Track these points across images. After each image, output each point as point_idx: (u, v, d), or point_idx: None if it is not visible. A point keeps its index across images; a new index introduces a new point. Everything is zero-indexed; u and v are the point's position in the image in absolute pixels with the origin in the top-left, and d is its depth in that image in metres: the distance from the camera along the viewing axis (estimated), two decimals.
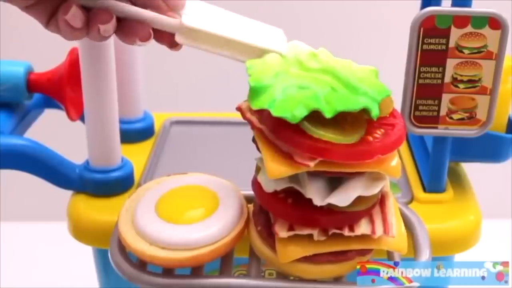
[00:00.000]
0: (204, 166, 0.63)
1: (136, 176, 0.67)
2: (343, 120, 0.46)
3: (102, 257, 0.66)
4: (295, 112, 0.44)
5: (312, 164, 0.46)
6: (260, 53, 0.49)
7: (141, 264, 0.52)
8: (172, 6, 0.48)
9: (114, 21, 0.47)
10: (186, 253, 0.50)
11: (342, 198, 0.47)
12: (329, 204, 0.48)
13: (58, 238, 0.87)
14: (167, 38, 0.49)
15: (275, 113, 0.45)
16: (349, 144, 0.46)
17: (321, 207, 0.48)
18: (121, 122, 0.70)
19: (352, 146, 0.46)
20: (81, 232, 0.64)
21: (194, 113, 0.83)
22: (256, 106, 0.46)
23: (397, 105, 0.53)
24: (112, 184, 0.65)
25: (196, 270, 0.52)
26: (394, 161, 0.48)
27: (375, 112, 0.45)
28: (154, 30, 0.48)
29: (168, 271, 0.52)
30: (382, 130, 0.48)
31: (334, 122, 0.46)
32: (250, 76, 0.47)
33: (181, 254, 0.50)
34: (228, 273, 0.53)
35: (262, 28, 0.51)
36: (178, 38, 0.48)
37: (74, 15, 0.47)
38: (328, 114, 0.45)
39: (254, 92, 0.46)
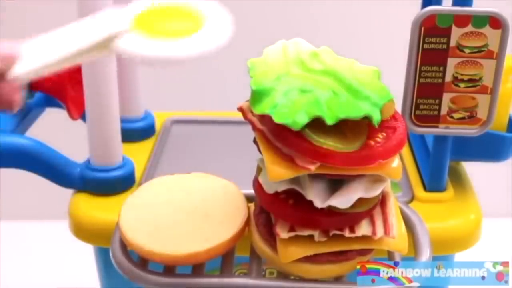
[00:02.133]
0: (205, 165, 0.63)
1: (137, 175, 0.68)
2: (345, 125, 0.46)
3: (103, 256, 0.66)
4: (296, 119, 0.44)
5: (313, 167, 0.46)
6: (107, 44, 0.45)
7: (142, 263, 0.52)
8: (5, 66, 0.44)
9: None
10: (185, 250, 0.50)
11: (343, 200, 0.47)
12: (330, 206, 0.48)
13: (59, 237, 0.87)
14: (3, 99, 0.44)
15: (276, 119, 0.45)
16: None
17: (322, 208, 0.48)
18: (122, 121, 0.70)
19: (354, 152, 0.46)
20: (82, 231, 0.64)
21: (195, 112, 0.83)
22: (258, 111, 0.46)
23: (398, 105, 0.53)
24: (113, 183, 0.65)
25: (197, 269, 0.52)
26: (395, 163, 0.48)
27: (376, 119, 0.45)
28: None
29: (168, 270, 0.52)
30: (384, 134, 0.48)
31: (336, 127, 0.45)
32: (252, 79, 0.46)
33: (180, 250, 0.50)
34: (229, 272, 0.53)
35: (98, 20, 0.46)
36: (18, 82, 0.44)
37: None
38: (329, 121, 0.44)
39: (256, 96, 0.46)
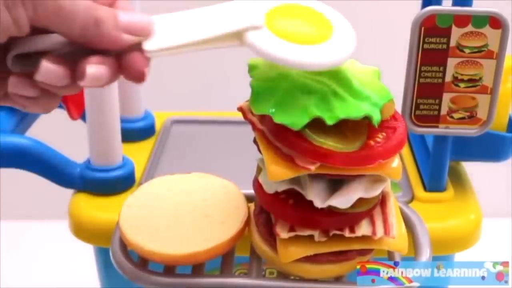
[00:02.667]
0: (205, 165, 0.63)
1: (137, 175, 0.68)
2: (345, 125, 0.46)
3: (103, 256, 0.66)
4: (296, 119, 0.44)
5: (313, 167, 0.46)
6: (239, 35, 0.44)
7: (142, 263, 0.52)
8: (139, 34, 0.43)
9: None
10: (184, 250, 0.50)
11: (343, 200, 0.47)
12: (330, 206, 0.48)
13: (59, 237, 0.87)
14: (135, 70, 0.43)
15: (276, 119, 0.44)
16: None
17: (322, 208, 0.48)
18: (122, 121, 0.70)
19: (354, 152, 0.46)
20: (82, 230, 0.64)
21: (195, 112, 0.83)
22: (257, 111, 0.46)
23: (398, 105, 0.53)
24: (113, 183, 0.65)
25: (197, 269, 0.52)
26: (395, 163, 0.48)
27: (376, 119, 0.45)
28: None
29: (169, 270, 0.52)
30: (384, 134, 0.48)
31: (336, 127, 0.45)
32: (252, 79, 0.46)
33: (179, 250, 0.50)
34: (229, 272, 0.53)
35: (231, 9, 0.46)
36: (148, 55, 0.43)
37: (16, 85, 0.42)
38: (329, 121, 0.44)
39: (256, 96, 0.46)
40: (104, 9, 0.41)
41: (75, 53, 0.42)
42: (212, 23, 0.44)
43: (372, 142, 0.47)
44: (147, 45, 0.43)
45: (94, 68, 0.41)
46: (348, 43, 0.45)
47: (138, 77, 0.43)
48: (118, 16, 0.41)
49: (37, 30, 0.40)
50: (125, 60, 0.42)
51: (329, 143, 0.46)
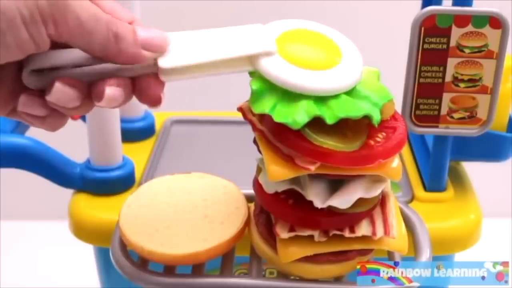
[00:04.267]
0: (205, 165, 0.63)
1: (137, 175, 0.68)
2: (345, 124, 0.46)
3: (103, 256, 0.66)
4: (296, 118, 0.44)
5: (313, 167, 0.46)
6: (252, 59, 0.46)
7: (142, 263, 0.52)
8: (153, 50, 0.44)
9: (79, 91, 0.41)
10: (184, 250, 0.50)
11: (343, 200, 0.47)
12: (330, 206, 0.48)
13: (59, 237, 0.88)
14: (150, 94, 0.44)
15: (276, 118, 0.44)
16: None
17: (322, 208, 0.48)
18: (122, 121, 0.70)
19: (354, 151, 0.46)
20: (82, 230, 0.64)
21: (195, 112, 0.83)
22: (257, 110, 0.46)
23: (398, 104, 0.53)
24: (113, 183, 0.65)
25: (197, 269, 0.52)
26: (395, 163, 0.48)
27: (376, 119, 0.45)
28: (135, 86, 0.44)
29: (169, 270, 0.52)
30: (384, 134, 0.48)
31: (336, 127, 0.45)
32: (252, 79, 0.46)
33: (179, 250, 0.50)
34: (229, 272, 0.53)
35: (243, 33, 0.47)
36: (163, 78, 0.44)
37: (25, 104, 0.42)
38: (329, 121, 0.44)
39: (256, 95, 0.46)
40: (124, 25, 0.42)
41: (91, 74, 0.42)
42: (226, 46, 0.45)
43: (372, 142, 0.47)
44: (162, 62, 0.43)
45: (113, 89, 0.42)
46: (355, 67, 0.47)
47: (155, 101, 0.44)
48: (137, 32, 0.42)
49: (56, 45, 0.41)
50: (141, 83, 0.43)
51: (329, 143, 0.46)
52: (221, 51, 0.45)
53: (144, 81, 0.44)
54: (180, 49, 0.44)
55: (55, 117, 0.43)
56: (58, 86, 0.41)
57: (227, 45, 0.45)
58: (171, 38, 0.44)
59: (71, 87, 0.41)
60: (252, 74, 0.47)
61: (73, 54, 0.42)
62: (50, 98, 0.41)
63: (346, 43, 0.48)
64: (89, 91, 0.42)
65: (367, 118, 0.45)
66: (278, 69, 0.45)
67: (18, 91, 0.42)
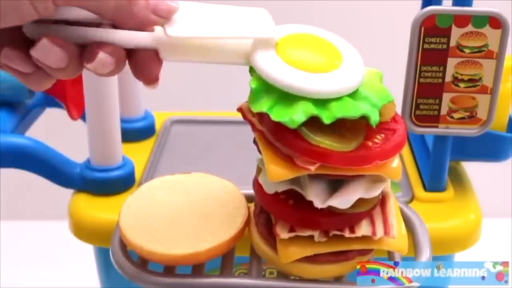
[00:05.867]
0: (205, 165, 0.63)
1: (137, 175, 0.68)
2: (343, 125, 0.46)
3: (103, 256, 0.66)
4: (294, 117, 0.44)
5: (313, 168, 0.46)
6: (246, 55, 0.46)
7: (142, 263, 0.52)
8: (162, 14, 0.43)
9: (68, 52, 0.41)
10: (184, 250, 0.50)
11: (343, 200, 0.47)
12: (330, 206, 0.48)
13: (59, 237, 0.88)
14: (147, 71, 0.44)
15: (274, 117, 0.44)
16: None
17: (322, 209, 0.48)
18: (122, 121, 0.70)
19: (351, 152, 0.46)
20: (82, 230, 0.64)
21: (195, 112, 0.83)
22: (256, 109, 0.46)
23: (398, 104, 0.53)
24: (113, 183, 0.65)
25: (197, 269, 0.52)
26: (395, 163, 0.48)
27: (374, 120, 0.45)
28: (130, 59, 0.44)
29: (169, 270, 0.52)
30: (382, 135, 0.48)
31: (333, 127, 0.45)
32: (252, 78, 0.47)
33: (179, 250, 0.50)
34: (229, 272, 0.53)
35: (248, 15, 0.47)
36: (163, 55, 0.44)
37: (8, 57, 0.40)
38: (326, 120, 0.44)
39: (255, 95, 0.46)
40: None
41: (87, 37, 0.42)
42: (230, 25, 0.45)
43: (370, 143, 0.47)
44: (169, 31, 0.43)
45: (106, 56, 0.42)
46: (356, 73, 0.46)
47: (151, 79, 0.44)
48: None
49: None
50: (138, 59, 0.43)
51: (325, 142, 0.46)
52: (226, 30, 0.45)
53: (141, 57, 0.43)
54: (185, 21, 0.44)
55: (39, 75, 0.42)
56: (44, 42, 0.40)
57: (231, 24, 0.45)
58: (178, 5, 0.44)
59: (58, 46, 0.41)
60: (252, 73, 0.47)
61: (81, 12, 0.41)
62: (33, 53, 0.40)
63: (347, 48, 0.48)
64: (80, 54, 0.42)
65: (365, 119, 0.45)
66: (275, 68, 0.45)
67: (3, 42, 0.41)
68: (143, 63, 0.43)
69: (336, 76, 0.46)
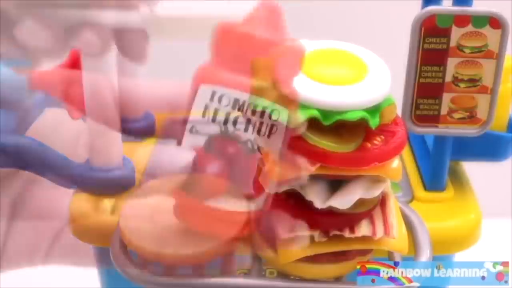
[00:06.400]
0: None
1: (137, 175, 0.67)
2: (342, 127, 0.46)
3: (103, 256, 0.66)
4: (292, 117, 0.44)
5: (313, 168, 0.46)
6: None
7: (142, 263, 0.52)
8: None
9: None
10: (185, 250, 0.50)
11: (343, 201, 0.47)
12: (330, 206, 0.48)
13: None
14: (134, 49, 0.44)
15: (273, 116, 0.45)
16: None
17: (322, 209, 0.48)
18: (122, 121, 0.70)
19: (349, 153, 0.46)
20: (82, 231, 0.64)
21: (195, 112, 0.83)
22: (255, 108, 0.46)
23: (398, 104, 0.53)
24: (113, 183, 0.65)
25: (197, 269, 0.52)
26: (395, 164, 0.48)
27: (373, 122, 0.45)
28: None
29: (169, 270, 0.52)
30: (382, 137, 0.48)
31: (333, 129, 0.46)
32: (252, 77, 0.47)
33: (180, 250, 0.50)
34: (229, 272, 0.53)
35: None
36: (151, 33, 0.44)
37: None
38: (325, 121, 0.44)
39: (255, 94, 0.46)
40: None
41: (73, 19, 0.42)
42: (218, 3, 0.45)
43: (369, 145, 0.47)
44: (157, 9, 0.43)
45: (92, 35, 0.42)
46: (382, 84, 0.46)
47: (139, 57, 0.44)
48: None
49: None
50: (126, 40, 0.43)
51: (323, 142, 0.46)
52: (213, 8, 0.45)
53: (128, 37, 0.43)
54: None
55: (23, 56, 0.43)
56: (27, 23, 0.40)
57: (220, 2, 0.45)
58: None
59: (42, 26, 0.41)
60: (253, 73, 0.47)
61: None
62: (17, 32, 0.40)
63: (374, 60, 0.48)
64: (65, 36, 0.42)
65: (364, 121, 0.45)
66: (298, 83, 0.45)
67: None
68: (131, 43, 0.43)
69: (361, 88, 0.45)
